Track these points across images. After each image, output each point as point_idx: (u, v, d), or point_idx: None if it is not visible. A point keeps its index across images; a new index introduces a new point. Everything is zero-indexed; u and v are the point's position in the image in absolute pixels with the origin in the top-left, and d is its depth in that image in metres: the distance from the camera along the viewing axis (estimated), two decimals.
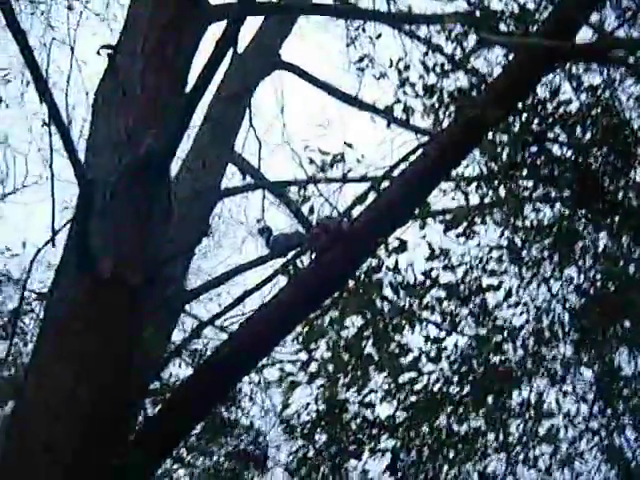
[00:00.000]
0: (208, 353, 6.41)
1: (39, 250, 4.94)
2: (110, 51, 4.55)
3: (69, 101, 4.24)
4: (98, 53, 4.41)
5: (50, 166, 3.84)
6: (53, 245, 4.11)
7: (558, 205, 5.46)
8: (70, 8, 8.83)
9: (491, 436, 5.49)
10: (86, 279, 3.87)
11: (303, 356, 5.27)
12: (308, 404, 5.26)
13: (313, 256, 4.36)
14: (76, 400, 3.71)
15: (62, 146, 3.70)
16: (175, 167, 6.42)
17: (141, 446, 3.77)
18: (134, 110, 4.39)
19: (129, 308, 3.94)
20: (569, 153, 5.20)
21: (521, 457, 5.55)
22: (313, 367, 5.12)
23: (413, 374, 5.17)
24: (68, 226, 4.43)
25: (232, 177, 7.79)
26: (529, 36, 4.78)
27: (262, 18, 7.73)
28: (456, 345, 5.21)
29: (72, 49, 4.09)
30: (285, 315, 4.21)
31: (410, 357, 5.17)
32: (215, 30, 5.10)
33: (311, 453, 5.20)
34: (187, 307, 7.10)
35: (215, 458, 5.82)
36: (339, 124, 7.38)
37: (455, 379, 5.20)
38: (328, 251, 4.10)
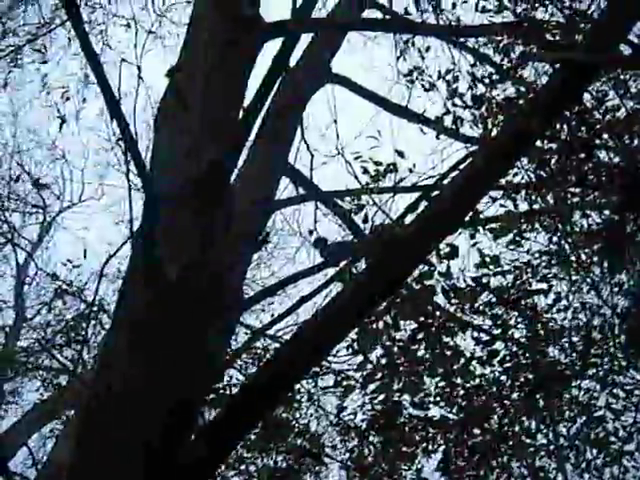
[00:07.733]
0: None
1: (107, 261, 5.14)
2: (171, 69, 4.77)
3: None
4: (167, 75, 4.63)
5: (127, 175, 4.04)
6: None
7: (606, 211, 5.54)
8: (129, 26, 9.23)
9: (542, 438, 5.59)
10: (153, 284, 4.07)
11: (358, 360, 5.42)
12: (364, 404, 5.39)
13: (367, 262, 4.48)
14: (146, 400, 3.90)
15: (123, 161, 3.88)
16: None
17: (205, 442, 3.89)
18: (195, 126, 4.61)
19: (194, 312, 4.14)
20: (616, 159, 5.28)
21: (572, 460, 5.64)
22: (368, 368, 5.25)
23: (464, 377, 5.28)
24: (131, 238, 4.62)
25: (285, 189, 7.97)
26: (575, 46, 4.87)
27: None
28: (507, 347, 5.31)
29: (139, 68, 4.31)
30: (340, 319, 4.30)
31: (462, 360, 5.29)
32: (271, 46, 5.32)
33: (366, 451, 5.34)
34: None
35: (273, 457, 5.95)
36: (389, 135, 7.51)
37: (506, 381, 5.30)
38: (382, 257, 4.20)
